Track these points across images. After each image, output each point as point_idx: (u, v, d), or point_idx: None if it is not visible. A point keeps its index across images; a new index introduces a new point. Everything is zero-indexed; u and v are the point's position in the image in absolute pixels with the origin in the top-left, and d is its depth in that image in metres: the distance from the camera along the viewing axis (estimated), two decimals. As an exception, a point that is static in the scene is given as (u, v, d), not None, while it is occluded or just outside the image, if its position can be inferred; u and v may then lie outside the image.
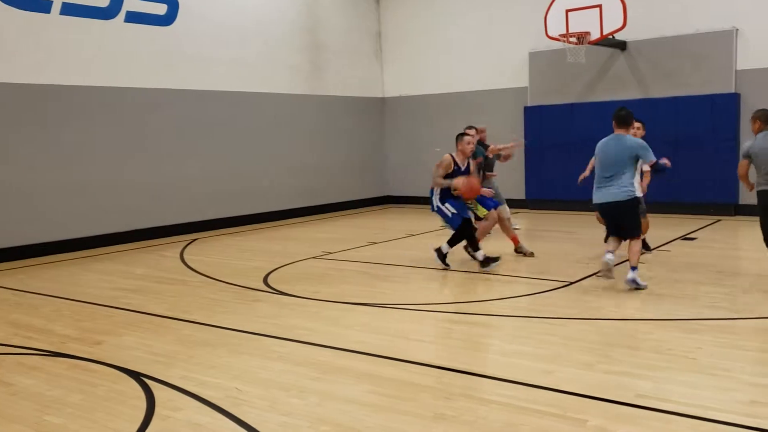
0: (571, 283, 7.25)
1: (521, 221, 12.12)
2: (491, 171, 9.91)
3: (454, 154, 8.16)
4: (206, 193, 12.30)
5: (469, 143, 8.16)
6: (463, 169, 8.15)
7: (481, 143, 9.72)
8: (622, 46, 12.53)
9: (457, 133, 8.44)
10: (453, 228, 8.15)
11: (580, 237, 10.32)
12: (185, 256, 9.79)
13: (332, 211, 14.60)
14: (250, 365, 5.01)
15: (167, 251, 10.32)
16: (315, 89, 14.32)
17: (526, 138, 12.79)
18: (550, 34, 11.76)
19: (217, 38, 12.40)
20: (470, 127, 9.69)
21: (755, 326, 5.60)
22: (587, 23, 11.37)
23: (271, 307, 6.79)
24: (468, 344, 5.46)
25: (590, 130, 12.95)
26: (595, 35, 11.35)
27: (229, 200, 12.69)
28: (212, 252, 10.19)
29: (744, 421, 3.76)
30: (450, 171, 8.06)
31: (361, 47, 15.43)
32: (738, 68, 11.75)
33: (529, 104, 13.78)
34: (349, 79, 15.08)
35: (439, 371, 4.72)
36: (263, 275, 8.18)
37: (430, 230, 11.66)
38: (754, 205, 11.55)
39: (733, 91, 11.76)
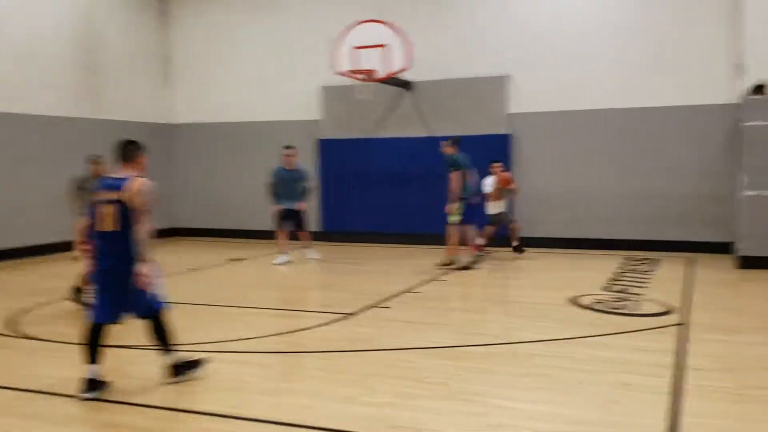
0: (351, 314, 7.30)
1: (318, 253, 12.10)
2: None
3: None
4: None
5: None
6: None
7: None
8: (408, 86, 13.13)
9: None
10: None
11: (367, 269, 10.51)
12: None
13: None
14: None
15: None
16: (94, 113, 13.39)
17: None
18: (338, 69, 12.02)
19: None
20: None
21: (510, 351, 5.94)
22: (374, 61, 11.77)
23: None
24: (227, 384, 5.21)
25: (382, 164, 13.57)
26: (381, 74, 11.77)
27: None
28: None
29: (486, 445, 3.92)
30: None
31: (147, 71, 14.76)
32: (510, 111, 12.78)
33: (321, 137, 13.95)
34: (134, 103, 14.33)
35: (186, 415, 4.45)
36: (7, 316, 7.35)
37: (217, 264, 11.28)
38: (538, 238, 12.71)
39: (505, 132, 12.75)
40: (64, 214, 8.97)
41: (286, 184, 10.97)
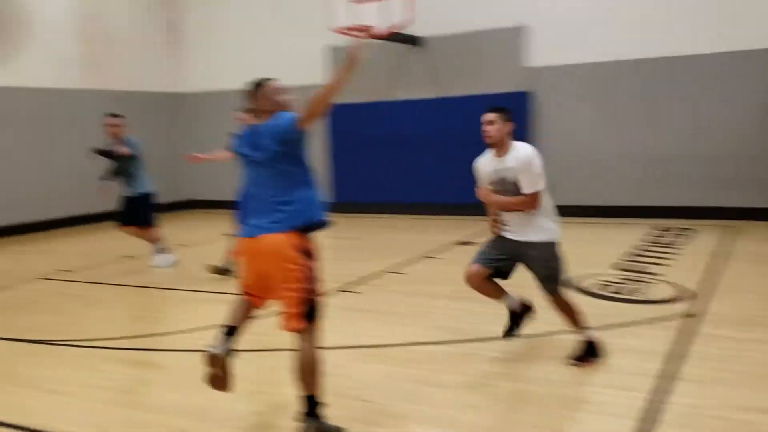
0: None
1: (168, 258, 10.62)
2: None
3: None
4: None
5: None
6: None
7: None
8: (415, 42, 12.03)
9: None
10: None
11: (364, 244, 9.65)
12: None
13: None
14: None
15: None
16: (98, 83, 12.83)
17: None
18: (335, 26, 11.02)
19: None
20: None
21: (467, 351, 5.00)
22: (374, 17, 10.72)
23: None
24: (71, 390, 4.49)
25: (396, 129, 12.59)
26: (382, 29, 10.71)
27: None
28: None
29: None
30: None
31: (154, 38, 14.10)
32: (528, 65, 11.54)
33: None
34: (140, 73, 13.72)
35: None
36: None
37: (208, 241, 10.60)
38: (559, 206, 11.50)
39: (524, 89, 11.54)
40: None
41: (115, 163, 8.17)
